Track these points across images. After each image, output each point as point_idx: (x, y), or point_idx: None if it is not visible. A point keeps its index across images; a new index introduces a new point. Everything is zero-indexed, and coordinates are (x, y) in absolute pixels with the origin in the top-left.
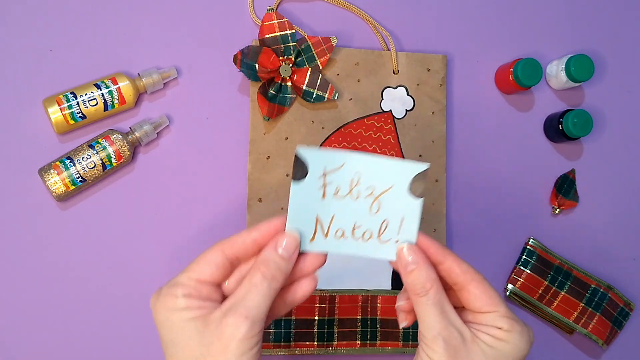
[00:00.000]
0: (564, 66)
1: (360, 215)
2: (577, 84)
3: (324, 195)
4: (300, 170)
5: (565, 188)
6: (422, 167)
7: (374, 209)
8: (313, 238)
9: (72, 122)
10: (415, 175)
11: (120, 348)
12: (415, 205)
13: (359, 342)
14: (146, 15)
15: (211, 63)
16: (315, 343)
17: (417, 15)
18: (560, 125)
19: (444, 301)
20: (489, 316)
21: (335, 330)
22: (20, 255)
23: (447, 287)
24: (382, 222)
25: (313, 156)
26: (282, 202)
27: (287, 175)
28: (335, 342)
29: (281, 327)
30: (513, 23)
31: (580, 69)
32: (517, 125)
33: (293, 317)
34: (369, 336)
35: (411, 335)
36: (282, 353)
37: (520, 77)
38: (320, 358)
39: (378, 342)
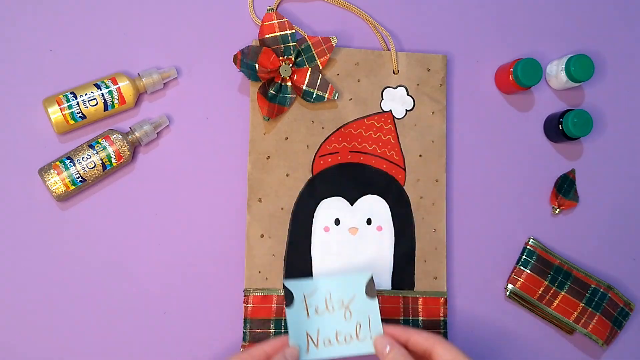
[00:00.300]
0: (564, 66)
1: (339, 324)
2: (577, 84)
3: (308, 315)
4: (289, 297)
5: (565, 188)
6: (368, 276)
7: (347, 317)
8: (307, 350)
9: (72, 122)
10: (367, 282)
11: (120, 347)
12: (374, 304)
13: None
14: (146, 15)
15: (211, 63)
16: None
17: (417, 15)
18: (560, 125)
19: None
20: None
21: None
22: (20, 255)
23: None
24: (356, 325)
25: (294, 286)
26: (282, 202)
27: (287, 175)
28: None
29: (281, 327)
30: (513, 23)
31: (580, 69)
32: (517, 125)
33: None
34: None
35: None
36: None
37: (520, 77)
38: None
39: None
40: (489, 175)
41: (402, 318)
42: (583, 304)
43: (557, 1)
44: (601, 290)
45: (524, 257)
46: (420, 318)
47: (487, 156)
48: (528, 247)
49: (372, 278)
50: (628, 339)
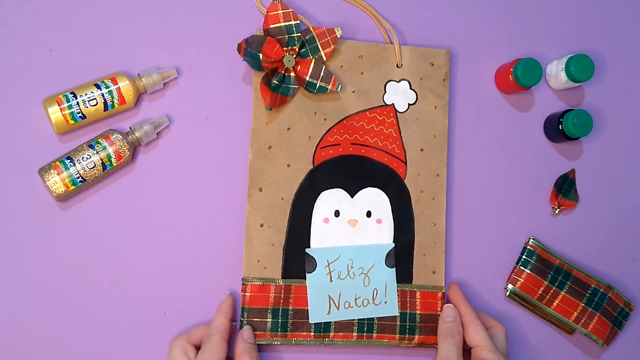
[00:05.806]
0: (564, 66)
1: (358, 289)
2: (577, 84)
3: (331, 279)
4: (311, 264)
5: (565, 188)
6: (390, 247)
7: (366, 283)
8: (329, 312)
9: (72, 122)
10: (387, 252)
11: (120, 347)
12: (391, 273)
13: (356, 334)
14: (146, 15)
15: (211, 62)
16: (312, 333)
17: (419, 10)
18: (560, 125)
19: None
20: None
21: (332, 321)
22: (20, 255)
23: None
24: (373, 290)
25: (318, 253)
26: (283, 192)
27: (288, 165)
28: (331, 333)
29: (278, 317)
30: (513, 23)
31: (580, 69)
32: (517, 125)
33: (290, 307)
34: (365, 328)
35: (408, 329)
36: (277, 342)
37: (520, 77)
38: (316, 349)
39: (375, 335)
40: (488, 175)
41: (399, 311)
42: (583, 304)
43: (557, 1)
44: (601, 290)
45: (524, 257)
46: (418, 312)
47: (487, 156)
48: (528, 247)
49: (392, 249)
50: (628, 339)
